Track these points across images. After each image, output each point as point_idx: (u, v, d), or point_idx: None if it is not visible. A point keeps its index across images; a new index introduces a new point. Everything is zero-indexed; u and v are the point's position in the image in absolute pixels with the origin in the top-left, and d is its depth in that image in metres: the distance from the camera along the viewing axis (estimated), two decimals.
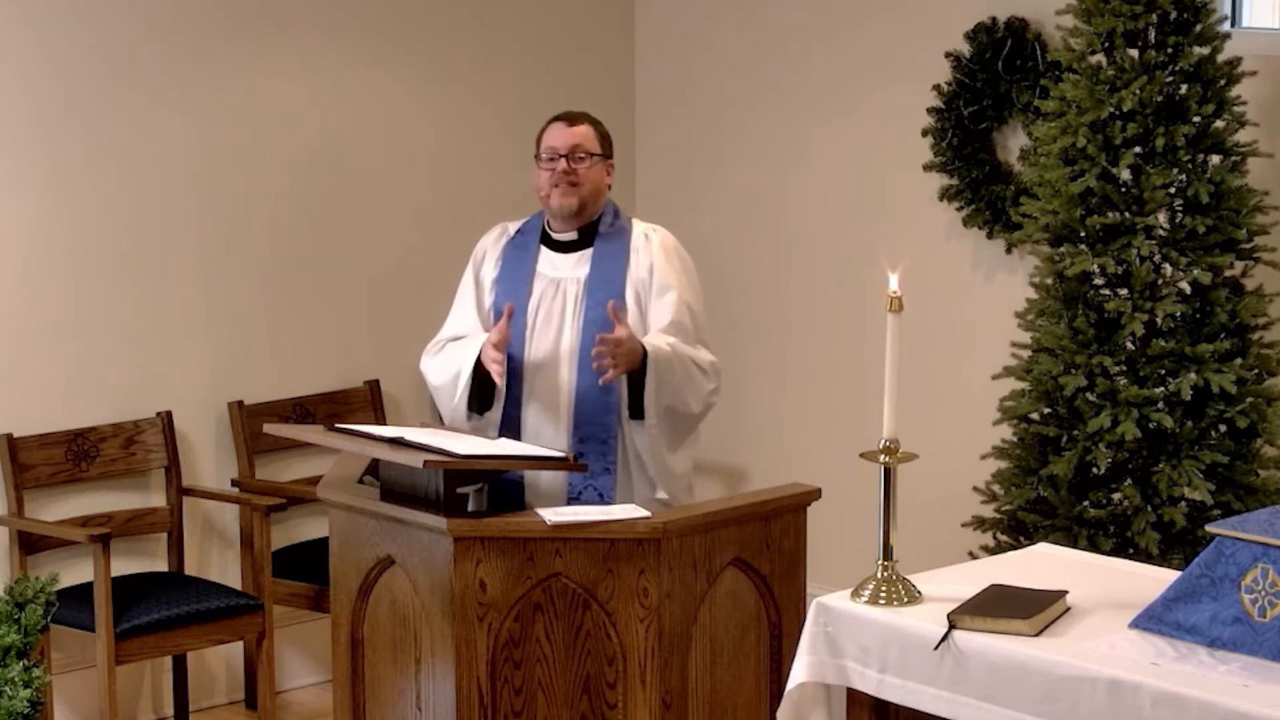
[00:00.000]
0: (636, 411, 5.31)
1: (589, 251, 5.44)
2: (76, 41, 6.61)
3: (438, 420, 7.29)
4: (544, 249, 5.49)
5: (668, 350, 5.29)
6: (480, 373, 5.36)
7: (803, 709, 4.51)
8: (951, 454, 6.71)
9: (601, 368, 5.20)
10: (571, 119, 5.47)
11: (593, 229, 5.46)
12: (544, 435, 5.35)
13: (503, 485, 5.36)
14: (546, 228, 5.50)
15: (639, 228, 5.48)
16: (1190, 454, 5.93)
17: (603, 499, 5.31)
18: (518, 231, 5.56)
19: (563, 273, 5.45)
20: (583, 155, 5.41)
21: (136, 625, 6.31)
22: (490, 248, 5.59)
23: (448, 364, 5.47)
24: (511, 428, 5.41)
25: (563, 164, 5.40)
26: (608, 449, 5.33)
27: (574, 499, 5.33)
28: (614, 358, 5.18)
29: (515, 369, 5.40)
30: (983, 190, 6.94)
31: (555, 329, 5.43)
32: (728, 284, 7.61)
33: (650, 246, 5.43)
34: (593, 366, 5.25)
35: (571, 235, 5.47)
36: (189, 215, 6.87)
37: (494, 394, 5.40)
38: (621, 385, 5.33)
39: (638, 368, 5.24)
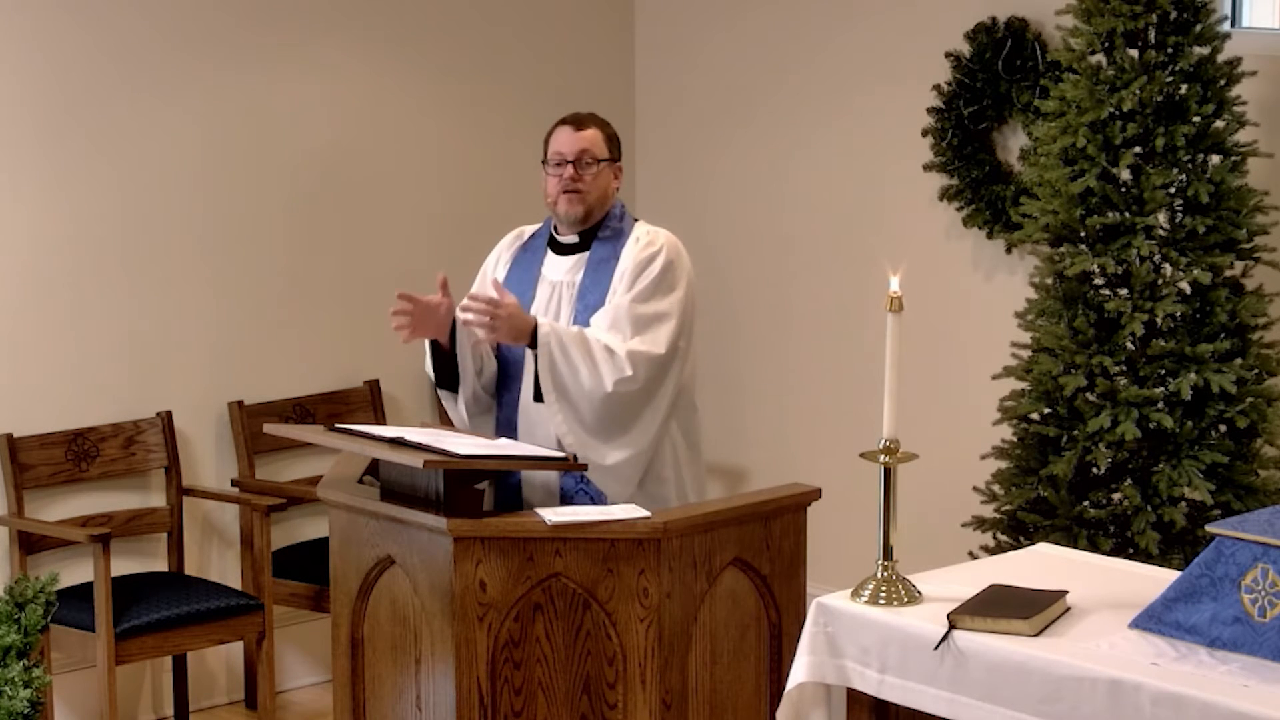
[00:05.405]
0: (538, 393, 5.21)
1: (586, 255, 5.41)
2: (77, 41, 6.60)
3: (438, 421, 7.30)
4: (550, 253, 5.45)
5: (563, 330, 5.18)
6: (441, 349, 5.32)
7: (803, 709, 4.50)
8: (951, 454, 6.71)
9: (467, 324, 5.12)
10: (579, 122, 5.38)
11: (594, 232, 5.40)
12: (537, 438, 5.32)
13: (502, 485, 5.35)
14: (554, 231, 5.47)
15: (637, 230, 5.39)
16: (1190, 454, 5.93)
17: (594, 502, 5.28)
18: (531, 236, 5.53)
19: (561, 276, 5.41)
20: (590, 161, 5.33)
21: (136, 625, 6.31)
22: (504, 251, 5.54)
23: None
24: (509, 429, 5.39)
25: (569, 171, 5.32)
26: None
27: (567, 500, 5.31)
28: (491, 319, 5.08)
29: (515, 372, 5.37)
30: (983, 190, 6.94)
31: None
32: (728, 284, 7.61)
33: (633, 251, 5.33)
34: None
35: (573, 238, 5.42)
36: (190, 215, 6.87)
37: (454, 363, 5.31)
38: (529, 366, 5.27)
39: (529, 345, 5.15)
